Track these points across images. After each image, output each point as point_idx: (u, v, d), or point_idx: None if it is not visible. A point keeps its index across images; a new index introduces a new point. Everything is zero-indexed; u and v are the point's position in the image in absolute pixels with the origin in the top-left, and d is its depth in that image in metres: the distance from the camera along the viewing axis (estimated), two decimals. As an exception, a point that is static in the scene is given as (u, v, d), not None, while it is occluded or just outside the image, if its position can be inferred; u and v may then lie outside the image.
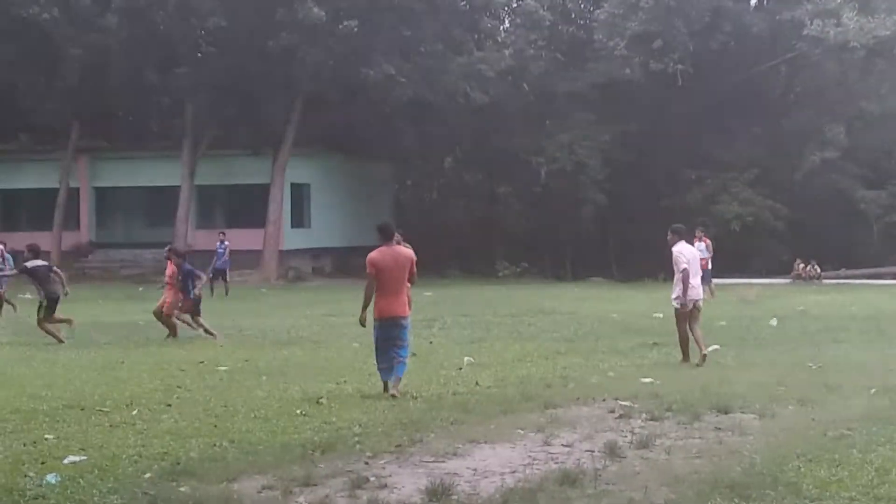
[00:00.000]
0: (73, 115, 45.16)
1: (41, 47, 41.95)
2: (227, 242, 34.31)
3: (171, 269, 19.53)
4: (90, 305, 28.30)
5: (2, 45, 42.42)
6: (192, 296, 19.13)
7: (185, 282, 19.20)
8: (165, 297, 19.36)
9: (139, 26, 41.85)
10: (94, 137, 47.79)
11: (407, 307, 12.31)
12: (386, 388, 12.08)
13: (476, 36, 48.66)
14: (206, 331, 19.07)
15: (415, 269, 12.31)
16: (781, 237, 45.30)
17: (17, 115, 47.42)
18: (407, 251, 12.30)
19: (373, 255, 12.05)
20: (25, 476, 8.03)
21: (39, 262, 19.19)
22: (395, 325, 12.10)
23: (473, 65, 44.80)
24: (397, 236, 12.51)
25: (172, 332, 19.05)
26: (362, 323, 12.36)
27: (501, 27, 52.40)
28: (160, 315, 19.33)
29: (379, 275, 11.92)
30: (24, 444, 9.25)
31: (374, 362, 12.34)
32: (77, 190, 46.37)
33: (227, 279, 33.53)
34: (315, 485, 7.86)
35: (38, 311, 18.86)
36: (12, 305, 23.51)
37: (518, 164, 47.90)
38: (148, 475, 8.07)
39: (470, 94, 44.59)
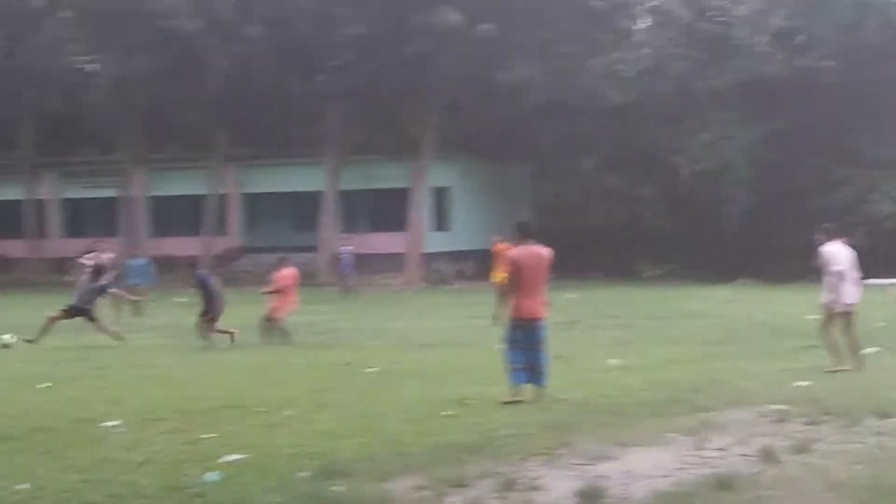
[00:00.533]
0: (219, 124, 46.45)
1: (187, 58, 43.26)
2: (350, 247, 34.34)
3: (286, 274, 19.98)
4: (241, 309, 28.99)
5: (150, 57, 43.93)
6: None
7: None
8: (275, 302, 19.78)
9: (281, 35, 42.80)
10: (241, 145, 49.06)
11: (544, 309, 12.05)
12: (515, 392, 11.73)
13: (614, 36, 48.26)
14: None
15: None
16: (939, 235, 43.64)
17: (166, 124, 49.02)
18: (547, 251, 12.01)
19: (514, 252, 11.92)
20: (185, 474, 8.26)
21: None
22: (533, 326, 11.81)
23: (611, 65, 44.49)
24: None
25: (283, 337, 19.38)
26: (497, 321, 12.16)
27: (639, 26, 51.83)
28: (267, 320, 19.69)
29: (519, 273, 11.70)
30: (185, 443, 9.52)
31: (507, 362, 11.93)
32: (226, 196, 47.69)
33: (350, 283, 33.60)
34: (466, 486, 7.86)
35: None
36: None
37: (658, 164, 47.35)
38: (304, 474, 8.21)
39: (608, 94, 44.25)
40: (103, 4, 41.96)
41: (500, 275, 29.66)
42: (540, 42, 43.71)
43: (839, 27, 42.70)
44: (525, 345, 11.76)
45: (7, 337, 19.79)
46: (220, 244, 46.88)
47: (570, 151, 51.20)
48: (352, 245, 35.56)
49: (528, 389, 11.88)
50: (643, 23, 51.60)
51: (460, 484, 7.90)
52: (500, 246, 29.82)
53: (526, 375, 11.83)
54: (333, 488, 7.77)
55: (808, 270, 31.55)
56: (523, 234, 12.02)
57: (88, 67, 48.44)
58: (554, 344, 17.91)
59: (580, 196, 53.27)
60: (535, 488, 7.81)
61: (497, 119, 45.48)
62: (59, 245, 49.96)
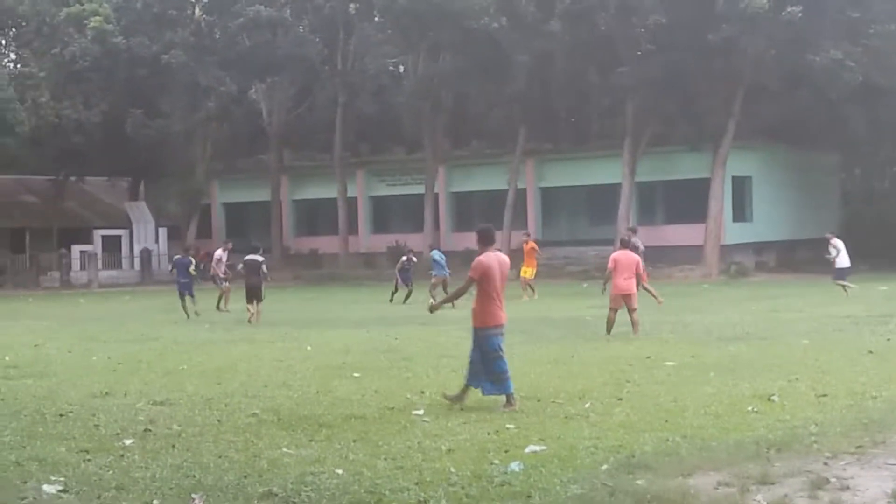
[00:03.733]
0: (519, 120, 47.23)
1: (491, 56, 44.27)
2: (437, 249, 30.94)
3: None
4: (538, 301, 29.47)
5: (456, 57, 45.28)
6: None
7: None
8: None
9: (581, 29, 43.06)
10: (539, 140, 49.68)
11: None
12: (511, 400, 11.25)
13: (934, 12, 45.33)
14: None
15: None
16: None
17: (470, 122, 50.42)
18: (506, 257, 11.54)
19: (484, 259, 11.28)
20: (491, 464, 8.46)
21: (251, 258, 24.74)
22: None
23: (931, 44, 41.83)
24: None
25: None
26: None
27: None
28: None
29: (491, 280, 11.19)
30: (488, 433, 9.74)
31: (500, 371, 11.30)
32: (524, 191, 48.41)
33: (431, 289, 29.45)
34: (772, 483, 7.68)
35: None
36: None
37: (984, 147, 44.05)
38: (605, 467, 8.24)
39: (927, 75, 41.71)
40: (411, 6, 43.56)
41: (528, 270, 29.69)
42: (851, 22, 41.74)
43: None
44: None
45: None
46: (519, 238, 47.57)
47: (883, 137, 48.62)
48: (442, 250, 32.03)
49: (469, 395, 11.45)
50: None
51: (766, 481, 7.72)
52: (531, 244, 31.37)
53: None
54: (634, 482, 7.74)
55: None
56: (486, 240, 11.50)
57: (397, 69, 50.61)
58: (866, 339, 17.25)
59: (893, 183, 50.53)
60: (846, 488, 7.54)
61: (803, 105, 43.82)
62: (367, 241, 52.42)
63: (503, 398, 11.32)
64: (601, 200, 46.66)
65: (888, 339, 17.19)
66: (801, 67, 40.88)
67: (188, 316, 26.24)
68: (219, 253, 30.07)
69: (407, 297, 30.04)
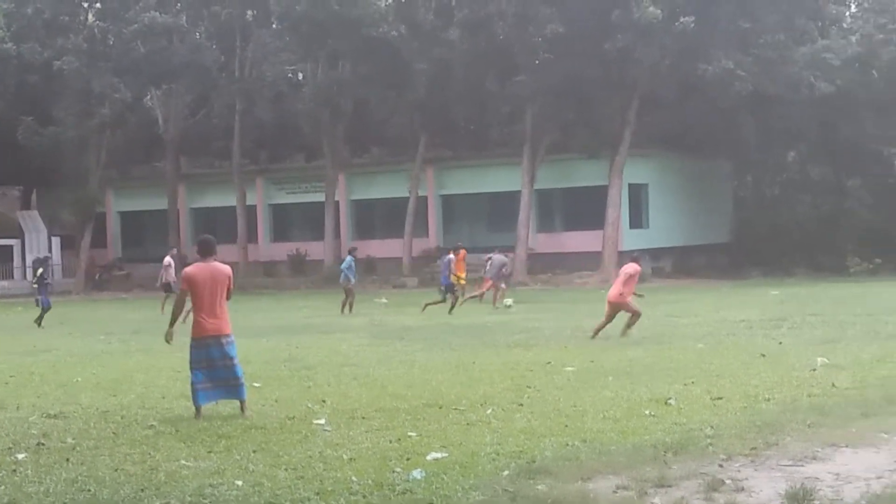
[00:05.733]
0: (419, 127, 47.36)
1: (390, 64, 44.31)
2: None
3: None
4: (440, 308, 29.47)
5: (356, 64, 45.18)
6: None
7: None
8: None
9: (480, 37, 43.37)
10: (439, 147, 49.85)
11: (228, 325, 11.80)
12: (197, 412, 11.53)
13: (820, 24, 46.73)
14: None
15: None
16: None
17: (370, 129, 50.32)
18: (227, 268, 11.79)
19: (190, 269, 11.61)
20: (393, 471, 8.44)
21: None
22: (220, 343, 11.69)
23: (818, 54, 43.17)
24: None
25: None
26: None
27: (847, 13, 50.01)
28: None
29: (195, 291, 11.49)
30: (390, 441, 9.73)
31: (191, 383, 11.71)
32: (425, 198, 48.52)
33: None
34: (669, 486, 7.79)
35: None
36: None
37: (868, 155, 45.60)
38: (506, 473, 8.28)
39: (814, 84, 42.91)
40: (310, 13, 43.35)
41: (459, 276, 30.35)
42: (742, 33, 42.79)
43: None
44: (209, 363, 11.55)
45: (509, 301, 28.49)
46: (420, 245, 47.72)
47: (774, 144, 49.90)
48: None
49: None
50: (853, 9, 49.84)
51: (663, 484, 7.84)
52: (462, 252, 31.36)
53: (216, 393, 11.62)
54: (535, 487, 7.80)
55: None
56: (204, 251, 11.77)
57: (296, 76, 50.25)
58: (759, 342, 17.65)
59: (783, 190, 51.84)
60: (741, 489, 7.67)
61: (696, 113, 44.75)
62: (266, 249, 51.96)
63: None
64: (501, 208, 46.99)
65: (780, 343, 17.61)
66: (694, 77, 41.75)
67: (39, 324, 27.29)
68: (167, 259, 31.06)
69: (452, 305, 28.00)
